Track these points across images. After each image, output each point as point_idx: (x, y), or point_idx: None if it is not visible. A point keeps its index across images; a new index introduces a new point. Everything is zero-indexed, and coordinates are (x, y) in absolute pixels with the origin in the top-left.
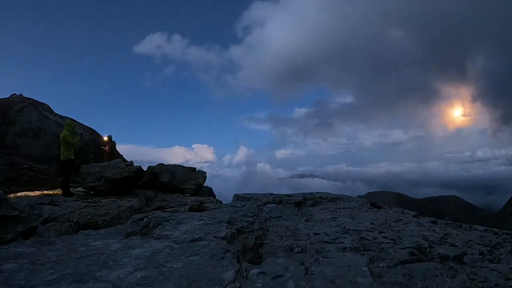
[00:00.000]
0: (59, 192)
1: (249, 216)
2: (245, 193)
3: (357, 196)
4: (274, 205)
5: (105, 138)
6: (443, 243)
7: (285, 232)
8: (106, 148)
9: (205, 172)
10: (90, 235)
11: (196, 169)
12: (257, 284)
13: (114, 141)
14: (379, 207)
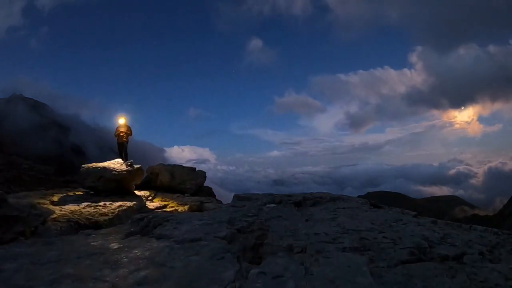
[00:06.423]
0: (59, 192)
1: (249, 216)
2: (245, 193)
3: (357, 196)
4: (274, 205)
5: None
6: (443, 243)
7: (285, 232)
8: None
9: (205, 172)
10: (90, 235)
11: (196, 169)
12: (257, 284)
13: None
14: (379, 207)
